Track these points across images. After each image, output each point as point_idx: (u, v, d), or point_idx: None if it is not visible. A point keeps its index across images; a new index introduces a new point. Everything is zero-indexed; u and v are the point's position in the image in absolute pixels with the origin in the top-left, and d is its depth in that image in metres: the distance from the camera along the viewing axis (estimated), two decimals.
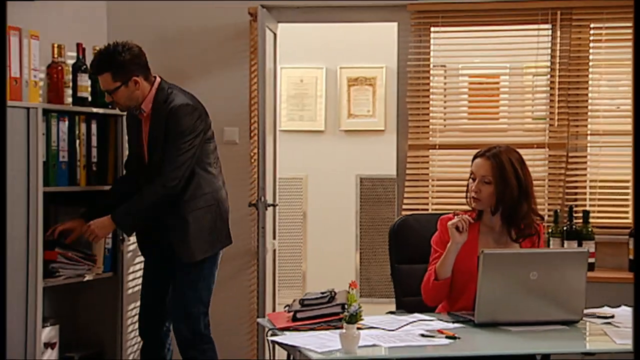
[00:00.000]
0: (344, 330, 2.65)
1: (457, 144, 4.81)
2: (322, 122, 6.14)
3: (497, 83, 4.98)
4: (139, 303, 4.06)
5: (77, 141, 3.95)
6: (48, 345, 3.83)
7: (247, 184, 4.80)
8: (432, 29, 4.80)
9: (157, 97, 3.78)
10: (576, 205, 4.63)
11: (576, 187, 4.72)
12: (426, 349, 2.75)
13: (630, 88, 4.66)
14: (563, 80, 4.72)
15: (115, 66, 3.71)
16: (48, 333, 3.83)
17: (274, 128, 4.90)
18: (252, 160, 4.78)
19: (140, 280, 4.15)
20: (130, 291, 4.20)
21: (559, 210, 4.59)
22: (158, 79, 3.85)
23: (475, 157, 3.31)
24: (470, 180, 3.30)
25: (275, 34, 4.86)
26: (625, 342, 2.79)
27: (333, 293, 3.08)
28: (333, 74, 6.12)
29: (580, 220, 4.54)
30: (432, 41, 4.80)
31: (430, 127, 4.82)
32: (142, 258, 4.10)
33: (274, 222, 4.91)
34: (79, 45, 4.12)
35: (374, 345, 2.72)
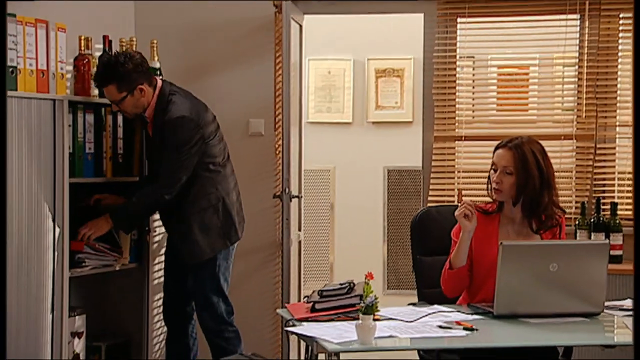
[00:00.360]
0: (360, 321, 2.65)
1: (483, 135, 4.78)
2: (350, 114, 6.11)
3: (527, 74, 4.93)
4: None
5: (104, 133, 3.98)
6: (75, 334, 3.88)
7: (272, 175, 4.81)
8: (459, 19, 4.76)
9: (157, 104, 3.82)
10: (604, 197, 4.57)
11: (604, 179, 4.66)
12: (443, 340, 2.75)
13: None
14: (591, 71, 4.66)
15: (119, 77, 3.73)
16: (75, 322, 3.88)
17: (299, 120, 4.90)
18: (277, 152, 4.79)
19: None
20: (156, 281, 4.24)
21: (586, 202, 4.54)
22: (160, 83, 3.87)
23: (496, 147, 3.30)
24: (492, 171, 3.29)
25: (301, 26, 4.85)
26: None
27: (352, 284, 3.09)
28: (361, 66, 6.10)
29: (608, 213, 4.48)
30: (458, 32, 4.77)
31: (457, 118, 4.80)
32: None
33: (299, 214, 4.91)
34: (105, 37, 4.14)
35: (390, 336, 2.73)
